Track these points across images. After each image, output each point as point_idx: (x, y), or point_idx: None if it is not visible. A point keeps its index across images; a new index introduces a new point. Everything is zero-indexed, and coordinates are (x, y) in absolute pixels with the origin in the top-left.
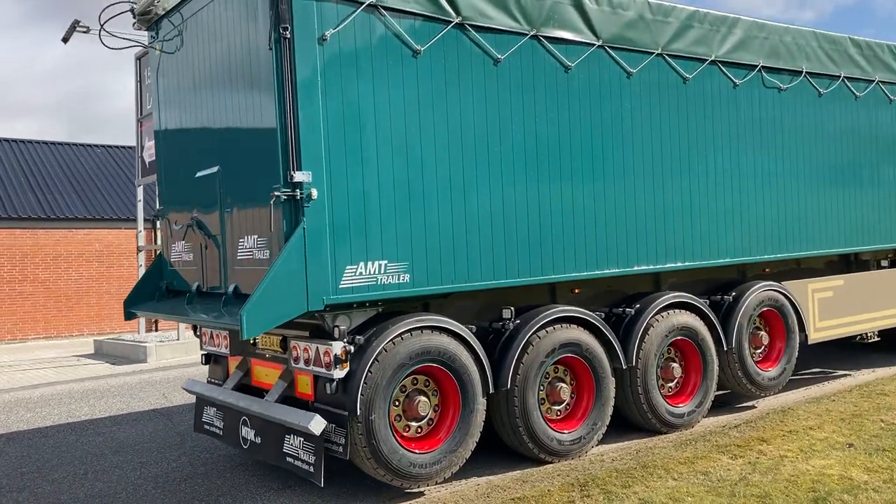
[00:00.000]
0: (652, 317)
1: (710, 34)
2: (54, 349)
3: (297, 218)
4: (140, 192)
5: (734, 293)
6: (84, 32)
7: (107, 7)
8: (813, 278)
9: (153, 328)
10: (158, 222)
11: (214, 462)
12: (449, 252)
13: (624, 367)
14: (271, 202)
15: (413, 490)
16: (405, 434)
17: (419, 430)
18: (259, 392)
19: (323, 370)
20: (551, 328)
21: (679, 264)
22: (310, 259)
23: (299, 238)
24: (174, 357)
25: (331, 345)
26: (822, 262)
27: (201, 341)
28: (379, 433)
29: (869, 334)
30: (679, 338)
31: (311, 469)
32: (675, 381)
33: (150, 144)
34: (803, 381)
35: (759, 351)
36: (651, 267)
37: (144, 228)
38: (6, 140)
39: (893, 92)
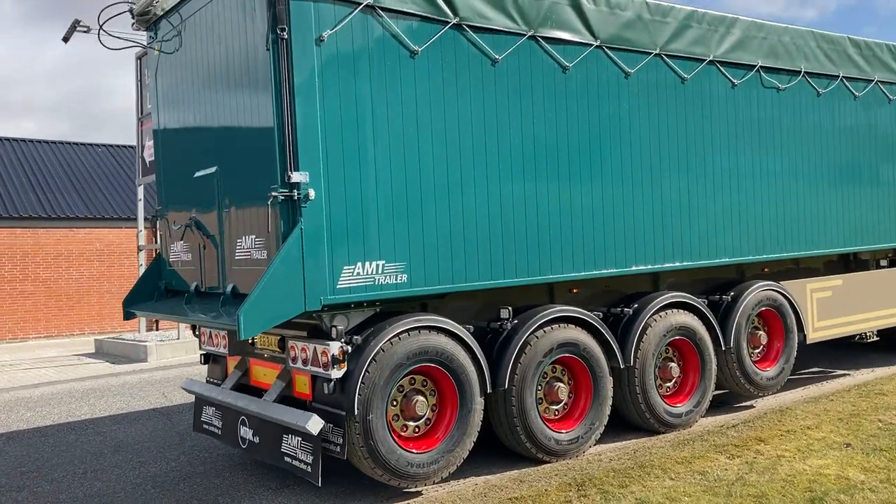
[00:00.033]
0: (650, 316)
1: (708, 34)
2: (55, 348)
3: (294, 218)
4: (140, 191)
5: (732, 293)
6: (85, 32)
7: (106, 7)
8: (811, 278)
9: (154, 327)
10: (158, 222)
11: (213, 461)
12: (447, 252)
13: (622, 367)
14: (269, 202)
15: (411, 490)
16: (403, 434)
17: (417, 430)
18: (258, 392)
19: (320, 370)
20: (549, 328)
21: (677, 264)
22: (307, 259)
23: (296, 238)
24: (174, 356)
25: (328, 345)
26: (820, 262)
27: (200, 341)
28: (376, 433)
29: (868, 334)
30: (677, 337)
31: (309, 469)
32: (673, 380)
33: (150, 144)
34: (802, 380)
35: (757, 351)
36: (649, 267)
37: (145, 228)
38: (7, 139)
39: (892, 92)
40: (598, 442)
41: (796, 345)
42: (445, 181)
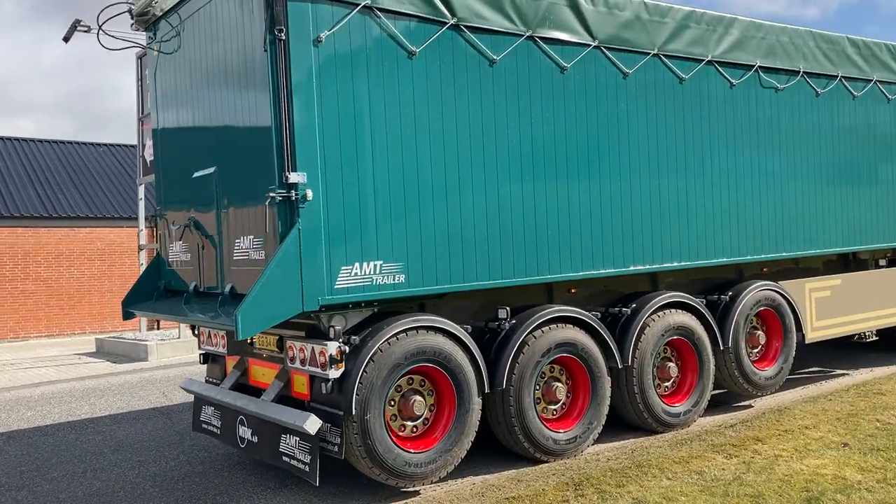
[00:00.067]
0: (648, 316)
1: (706, 34)
2: (56, 347)
3: (292, 219)
4: (141, 190)
5: (731, 293)
6: (85, 32)
7: (105, 8)
8: (810, 278)
9: (155, 327)
10: (157, 222)
11: (212, 461)
12: (444, 252)
13: (620, 367)
14: (266, 203)
15: (408, 489)
16: (401, 433)
17: (415, 430)
18: (256, 391)
19: (318, 370)
20: (547, 328)
21: (676, 264)
22: (305, 260)
23: (294, 239)
24: (175, 355)
25: (326, 345)
26: (820, 262)
27: (199, 340)
28: (374, 433)
29: (867, 333)
30: (675, 337)
31: (307, 468)
32: (672, 380)
33: (150, 143)
34: (801, 380)
35: (755, 350)
36: (647, 267)
37: (146, 227)
38: (8, 138)
39: (892, 91)
40: (597, 441)
41: (795, 344)
42: (443, 182)
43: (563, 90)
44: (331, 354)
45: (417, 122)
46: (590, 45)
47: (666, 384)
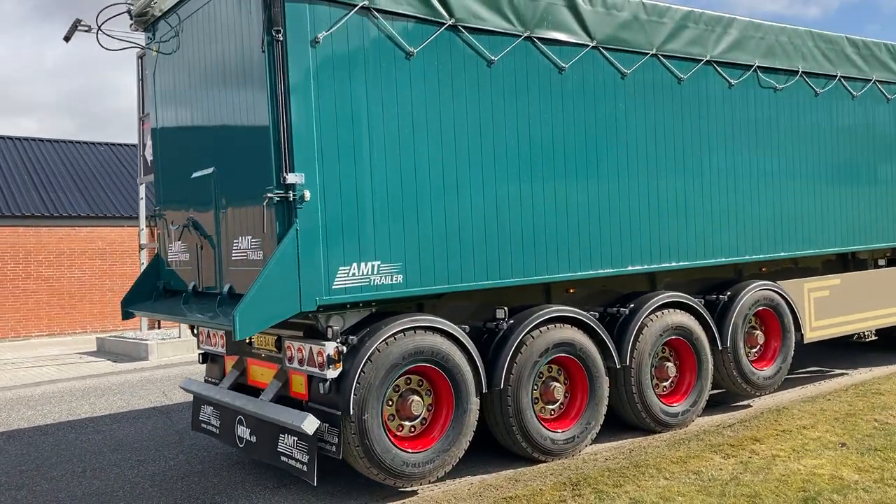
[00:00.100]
0: (646, 316)
1: (705, 34)
2: (57, 346)
3: (289, 219)
4: (142, 189)
5: (729, 292)
6: (86, 31)
7: (104, 8)
8: (809, 277)
9: (155, 326)
10: (157, 222)
11: (211, 460)
12: (442, 252)
13: (618, 367)
14: (264, 203)
15: (406, 489)
16: (398, 433)
17: (412, 430)
18: (255, 391)
19: (316, 370)
20: (545, 328)
21: (674, 264)
22: (302, 260)
23: (292, 239)
24: (176, 355)
25: (324, 345)
26: (819, 262)
27: (198, 340)
28: (372, 433)
29: (866, 333)
30: (674, 337)
31: (305, 468)
32: (670, 380)
33: (151, 143)
34: (800, 379)
35: (754, 350)
36: (646, 267)
37: (147, 226)
38: (9, 138)
39: (891, 91)
40: (595, 441)
41: (793, 344)
42: (441, 182)
43: (561, 90)
44: (328, 354)
45: (415, 123)
46: (588, 46)
47: (664, 384)
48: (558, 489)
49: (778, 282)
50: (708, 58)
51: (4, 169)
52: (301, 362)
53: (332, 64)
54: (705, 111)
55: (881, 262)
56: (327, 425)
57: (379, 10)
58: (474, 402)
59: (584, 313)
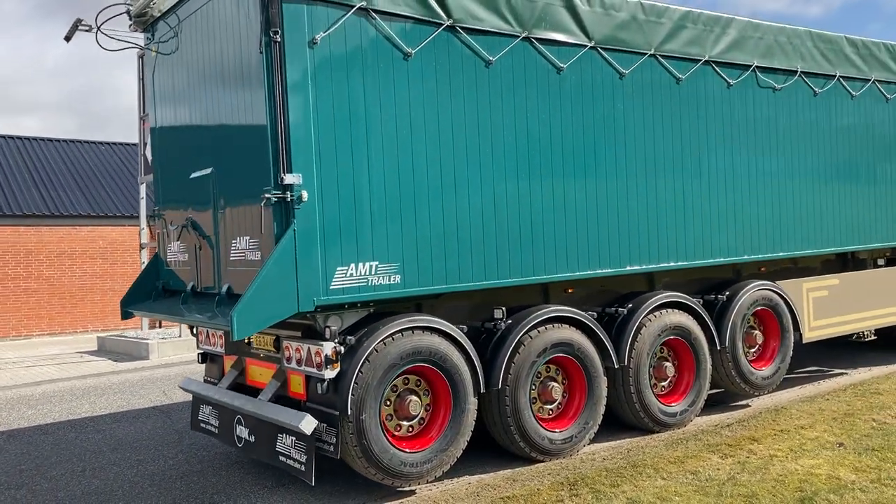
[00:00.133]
0: (644, 316)
1: (703, 34)
2: (58, 346)
3: (287, 220)
4: (143, 189)
5: (728, 292)
6: (87, 31)
7: (104, 9)
8: (807, 277)
9: (156, 325)
10: (156, 221)
11: (210, 460)
12: (440, 252)
13: (616, 367)
14: (262, 204)
15: (404, 489)
16: (396, 433)
17: (410, 430)
18: (254, 391)
19: (314, 370)
20: (543, 328)
21: (672, 264)
22: (300, 260)
23: (289, 240)
24: (176, 354)
25: (322, 345)
26: (818, 262)
27: (198, 340)
28: (370, 432)
29: (865, 333)
30: (672, 337)
31: (303, 468)
32: (668, 380)
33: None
34: (798, 379)
35: (753, 350)
36: (644, 267)
37: (147, 225)
38: (10, 137)
39: (890, 91)
40: (593, 441)
41: (792, 344)
42: (439, 182)
43: (559, 91)
44: (326, 355)
45: (413, 123)
46: (586, 46)
47: (662, 384)
48: (556, 489)
49: (777, 282)
50: (706, 58)
51: (5, 168)
52: (299, 362)
53: (329, 65)
54: (704, 111)
55: (880, 261)
56: (325, 425)
57: (377, 11)
58: (472, 402)
59: (583, 313)
